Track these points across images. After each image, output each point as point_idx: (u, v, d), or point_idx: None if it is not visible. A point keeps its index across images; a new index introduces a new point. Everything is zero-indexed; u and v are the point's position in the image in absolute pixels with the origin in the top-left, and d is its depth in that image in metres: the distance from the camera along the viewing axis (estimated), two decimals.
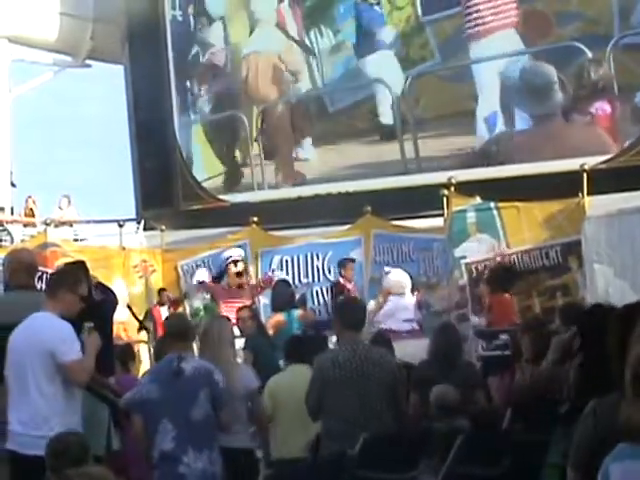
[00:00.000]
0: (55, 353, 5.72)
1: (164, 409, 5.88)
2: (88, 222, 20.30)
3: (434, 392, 7.47)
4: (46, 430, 5.43)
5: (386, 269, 13.33)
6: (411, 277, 13.89)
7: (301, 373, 7.01)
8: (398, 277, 12.11)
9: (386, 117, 18.12)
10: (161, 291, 15.15)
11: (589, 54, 16.07)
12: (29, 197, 21.66)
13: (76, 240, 19.01)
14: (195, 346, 6.62)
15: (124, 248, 16.70)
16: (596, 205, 13.09)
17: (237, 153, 19.91)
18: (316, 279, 15.02)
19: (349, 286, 12.58)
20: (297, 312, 10.73)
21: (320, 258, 15.01)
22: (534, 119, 16.68)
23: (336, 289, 12.85)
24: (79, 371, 5.74)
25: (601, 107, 16.21)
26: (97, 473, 4.84)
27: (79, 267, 6.54)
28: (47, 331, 5.83)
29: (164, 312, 14.16)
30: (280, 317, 10.50)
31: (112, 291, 7.27)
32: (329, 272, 14.97)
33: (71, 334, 5.79)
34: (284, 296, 10.87)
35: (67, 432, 5.21)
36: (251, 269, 15.27)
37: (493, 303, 11.25)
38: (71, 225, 20.75)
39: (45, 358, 5.73)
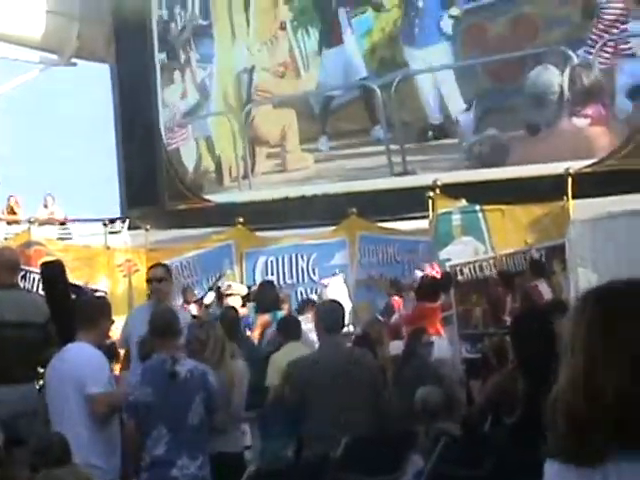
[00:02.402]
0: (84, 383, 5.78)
1: (159, 414, 5.81)
2: (73, 221, 20.26)
3: (418, 394, 7.53)
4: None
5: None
6: (397, 279, 14.00)
7: (298, 349, 7.13)
8: (334, 293, 12.19)
9: (373, 119, 18.18)
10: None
11: (575, 58, 16.19)
12: (11, 196, 21.57)
13: (60, 239, 18.98)
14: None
15: (108, 247, 16.70)
16: (581, 209, 13.17)
17: (223, 153, 19.92)
18: (300, 280, 15.07)
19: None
20: (282, 313, 10.74)
21: (305, 259, 15.03)
22: (525, 123, 16.77)
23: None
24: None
25: (594, 111, 16.30)
26: (84, 473, 4.89)
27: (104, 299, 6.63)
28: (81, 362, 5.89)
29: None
30: (266, 318, 10.51)
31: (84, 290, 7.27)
32: (313, 273, 15.01)
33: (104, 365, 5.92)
34: (269, 297, 10.87)
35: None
36: (235, 269, 15.32)
37: (415, 311, 11.46)
38: (56, 224, 20.71)
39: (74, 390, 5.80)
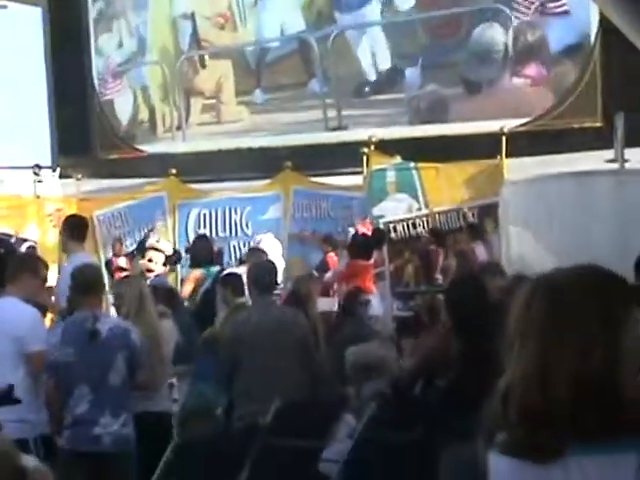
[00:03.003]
0: (23, 341, 5.71)
1: (80, 374, 5.76)
2: (2, 168, 19.86)
3: (349, 353, 7.53)
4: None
5: (257, 237, 13.30)
6: (330, 235, 13.99)
7: None
8: (268, 245, 12.12)
9: (309, 72, 18.06)
10: (116, 242, 14.69)
11: (513, 18, 16.21)
12: None
13: None
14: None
15: (38, 196, 16.42)
16: (514, 167, 13.27)
17: (157, 103, 19.65)
18: (234, 234, 14.97)
19: None
20: (216, 268, 10.66)
21: (239, 213, 14.95)
22: (464, 80, 16.78)
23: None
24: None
25: (534, 71, 16.36)
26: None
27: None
28: (15, 317, 5.83)
29: (122, 264, 13.83)
30: (198, 273, 10.42)
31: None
32: (247, 227, 14.93)
33: (40, 321, 5.85)
34: (203, 251, 10.78)
35: None
36: (168, 221, 15.18)
37: (348, 269, 11.50)
38: None
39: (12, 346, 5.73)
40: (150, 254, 12.23)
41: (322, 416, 5.60)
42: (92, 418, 5.74)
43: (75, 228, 7.89)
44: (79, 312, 5.97)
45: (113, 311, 6.82)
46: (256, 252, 10.65)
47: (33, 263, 6.41)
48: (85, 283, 6.01)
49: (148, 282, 7.77)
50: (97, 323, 5.81)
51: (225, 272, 9.56)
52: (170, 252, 12.97)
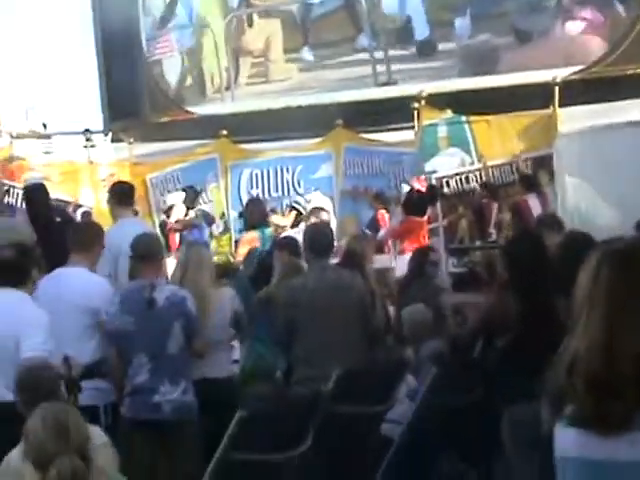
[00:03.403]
0: (99, 313, 5.87)
1: (139, 342, 5.79)
2: (54, 134, 19.98)
3: (407, 311, 7.48)
4: None
5: (307, 196, 13.26)
6: (382, 191, 13.91)
7: None
8: (318, 203, 12.07)
9: (357, 27, 17.87)
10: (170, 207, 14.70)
11: None
12: None
13: (44, 153, 18.73)
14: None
15: (92, 162, 16.48)
16: (567, 118, 13.05)
17: (205, 63, 19.59)
18: (286, 193, 14.91)
19: None
20: (270, 230, 10.66)
21: (290, 172, 14.90)
22: (515, 29, 16.49)
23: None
24: None
25: (590, 15, 16.01)
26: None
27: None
28: (88, 288, 5.93)
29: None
30: (253, 235, 10.43)
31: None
32: (299, 186, 14.88)
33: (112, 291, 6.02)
34: (256, 214, 10.78)
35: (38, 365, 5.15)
36: (220, 182, 15.19)
37: (403, 225, 11.42)
38: (38, 138, 20.42)
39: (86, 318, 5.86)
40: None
41: (382, 379, 5.57)
42: (151, 386, 5.76)
43: (122, 194, 7.89)
44: (137, 281, 5.99)
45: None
46: (316, 211, 10.62)
47: (100, 231, 6.41)
48: (142, 251, 6.01)
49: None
50: (154, 292, 5.83)
51: (282, 235, 9.55)
52: (180, 198, 12.97)
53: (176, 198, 13.25)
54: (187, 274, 6.33)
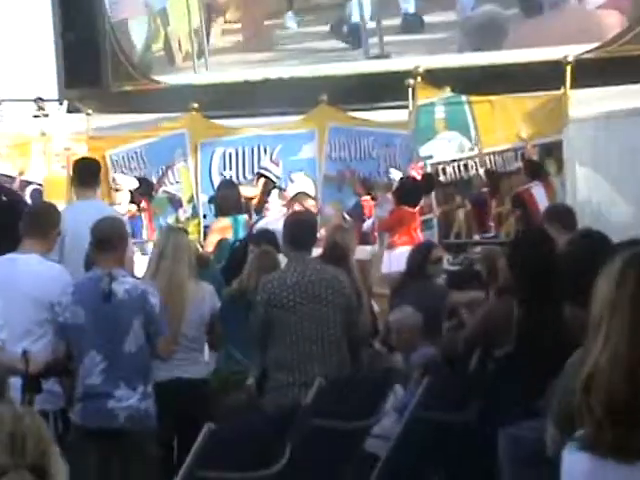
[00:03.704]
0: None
1: (92, 339, 5.71)
2: (1, 101, 19.86)
3: (393, 314, 7.47)
4: None
5: (293, 177, 13.24)
6: (369, 177, 13.89)
7: None
8: (302, 186, 12.05)
9: None
10: None
11: None
12: None
13: None
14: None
15: (44, 134, 16.41)
16: (580, 100, 13.05)
17: (175, 25, 19.52)
18: None
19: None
20: (244, 217, 10.61)
21: (268, 152, 14.86)
22: (523, 0, 16.50)
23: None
24: None
25: None
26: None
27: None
28: (44, 280, 5.91)
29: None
30: (225, 223, 10.38)
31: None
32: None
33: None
34: (229, 199, 10.71)
35: None
36: (189, 161, 15.14)
37: (393, 216, 11.42)
38: None
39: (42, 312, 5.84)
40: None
41: (368, 389, 5.55)
42: (105, 390, 5.69)
43: (85, 172, 7.84)
44: (94, 270, 5.93)
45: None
46: (301, 197, 10.58)
47: (57, 214, 6.40)
48: (100, 237, 5.94)
49: None
50: (112, 283, 5.75)
51: (257, 228, 9.51)
52: (134, 185, 12.94)
53: (126, 182, 13.16)
54: (163, 262, 6.34)
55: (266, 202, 11.65)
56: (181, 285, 6.34)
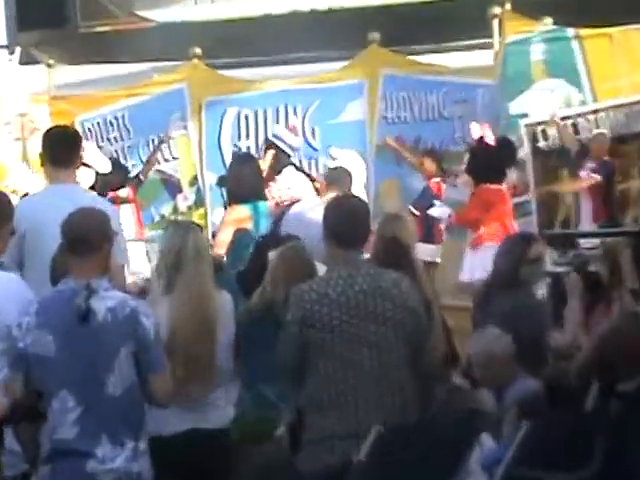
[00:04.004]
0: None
1: (63, 375, 5.73)
2: None
3: (475, 342, 7.55)
4: None
5: (332, 152, 13.32)
6: (442, 147, 13.96)
7: None
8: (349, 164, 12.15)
9: None
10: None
11: None
12: None
13: None
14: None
15: None
16: None
17: None
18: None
19: None
20: (266, 205, 10.73)
21: (299, 114, 14.97)
22: None
23: None
24: None
25: None
26: None
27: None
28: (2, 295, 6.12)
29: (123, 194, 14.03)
30: (242, 212, 10.50)
31: None
32: (312, 136, 14.94)
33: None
34: (246, 179, 10.83)
35: None
36: (191, 127, 15.26)
37: (474, 201, 11.48)
38: None
39: None
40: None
41: (444, 441, 5.60)
42: (82, 447, 5.71)
43: (59, 146, 7.93)
44: (65, 281, 5.96)
45: None
46: (340, 176, 10.63)
47: (7, 206, 6.54)
48: (74, 236, 5.97)
49: None
50: (92, 299, 5.79)
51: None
52: (103, 167, 13.06)
53: (95, 161, 13.22)
54: (182, 272, 6.50)
55: (272, 181, 11.78)
56: (209, 299, 6.52)
